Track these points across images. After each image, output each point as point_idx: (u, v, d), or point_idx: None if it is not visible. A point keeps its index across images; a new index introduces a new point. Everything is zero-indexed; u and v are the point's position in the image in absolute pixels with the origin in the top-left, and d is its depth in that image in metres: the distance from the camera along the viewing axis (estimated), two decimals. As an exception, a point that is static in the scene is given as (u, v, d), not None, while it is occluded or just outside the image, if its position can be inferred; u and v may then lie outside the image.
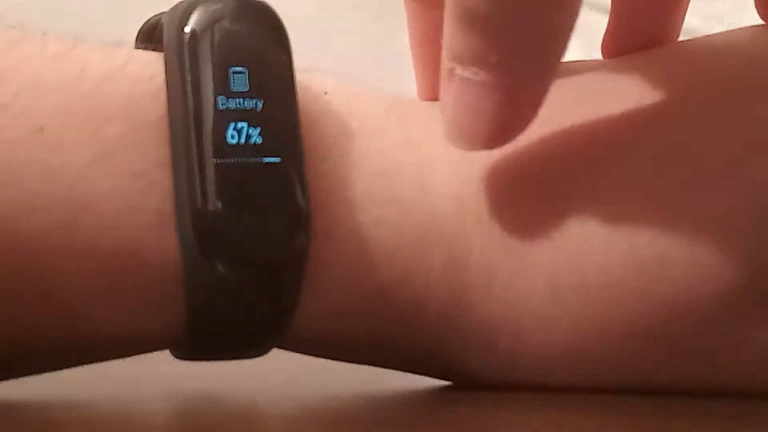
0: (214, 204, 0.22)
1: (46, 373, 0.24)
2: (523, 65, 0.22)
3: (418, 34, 0.27)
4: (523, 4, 0.21)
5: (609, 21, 0.27)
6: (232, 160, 0.22)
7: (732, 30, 0.27)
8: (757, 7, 0.26)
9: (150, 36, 0.24)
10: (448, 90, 0.23)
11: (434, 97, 0.27)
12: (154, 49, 0.23)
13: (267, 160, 0.22)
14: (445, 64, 0.23)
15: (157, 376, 0.29)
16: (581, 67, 0.27)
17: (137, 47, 0.24)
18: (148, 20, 0.25)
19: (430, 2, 0.27)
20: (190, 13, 0.23)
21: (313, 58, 0.24)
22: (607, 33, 0.27)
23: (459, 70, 0.22)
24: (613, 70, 0.26)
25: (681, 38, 0.27)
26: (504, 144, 0.24)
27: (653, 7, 0.27)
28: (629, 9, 0.27)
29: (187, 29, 0.23)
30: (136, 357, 0.24)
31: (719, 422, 0.22)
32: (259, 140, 0.22)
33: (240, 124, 0.22)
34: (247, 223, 0.22)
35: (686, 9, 0.27)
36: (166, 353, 0.24)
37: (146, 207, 0.22)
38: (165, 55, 0.23)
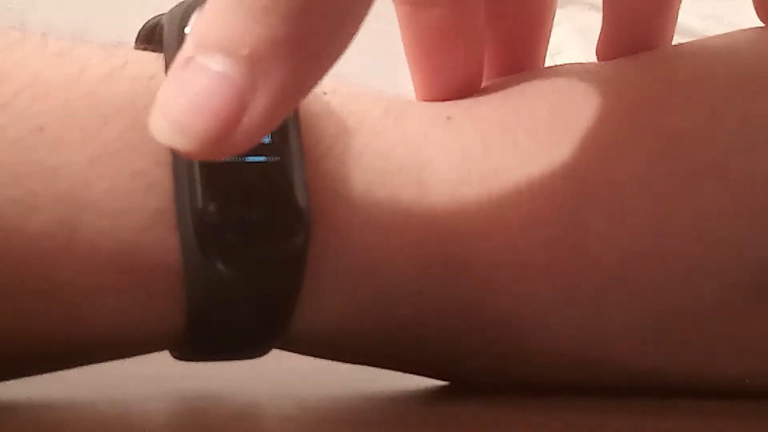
0: (214, 203, 0.22)
1: (46, 373, 0.24)
2: (285, 68, 0.19)
3: (410, 36, 0.27)
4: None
5: (602, 25, 0.28)
6: (232, 159, 0.22)
7: (730, 32, 0.27)
8: (756, 9, 0.26)
9: (150, 37, 0.24)
10: (174, 79, 0.19)
11: (432, 98, 0.27)
12: (153, 50, 0.23)
13: (267, 159, 0.22)
14: (185, 53, 0.19)
15: (157, 376, 0.29)
16: (577, 69, 0.27)
17: (137, 48, 0.24)
18: (147, 22, 0.25)
19: (420, 4, 0.27)
20: (190, 14, 0.23)
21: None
22: (600, 38, 0.28)
23: (200, 58, 0.19)
24: (610, 71, 0.26)
25: (681, 38, 0.28)
26: (220, 155, 0.19)
27: (642, 12, 0.27)
28: (618, 14, 0.27)
29: (188, 29, 0.23)
30: (136, 357, 0.24)
31: (719, 421, 0.22)
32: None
33: None
34: (247, 222, 0.22)
35: (677, 13, 0.27)
36: (166, 353, 0.24)
37: (146, 206, 0.22)
38: (165, 55, 0.23)
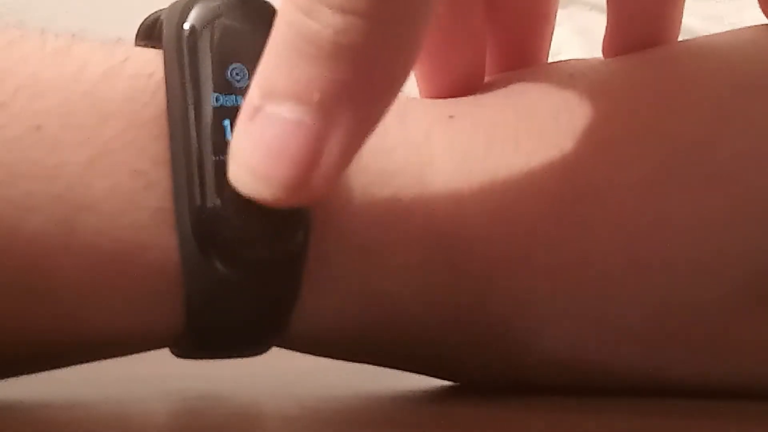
0: (213, 202, 0.22)
1: (46, 373, 0.24)
2: (356, 107, 0.20)
3: None
4: (392, 40, 0.19)
5: (606, 22, 0.27)
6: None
7: (734, 30, 0.26)
8: (762, 8, 0.26)
9: (149, 33, 0.24)
10: (246, 130, 0.20)
11: (435, 95, 0.27)
12: (153, 47, 0.23)
13: None
14: (251, 102, 0.20)
15: (157, 376, 0.29)
16: (581, 66, 0.27)
17: (137, 45, 0.24)
18: (147, 17, 0.25)
19: None
20: (189, 10, 0.23)
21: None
22: (606, 34, 0.28)
23: (270, 108, 0.20)
24: (614, 69, 0.26)
25: (681, 38, 0.27)
26: (303, 201, 0.20)
27: (647, 8, 0.27)
28: (623, 11, 0.27)
29: (187, 26, 0.23)
30: (136, 357, 0.24)
31: (720, 422, 0.22)
32: None
33: None
34: (246, 221, 0.22)
35: (682, 9, 0.27)
36: (166, 353, 0.24)
37: (145, 205, 0.22)
38: (164, 52, 0.23)
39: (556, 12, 0.29)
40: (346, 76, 0.19)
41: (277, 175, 0.20)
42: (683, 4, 0.27)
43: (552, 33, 0.29)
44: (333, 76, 0.19)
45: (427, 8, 0.20)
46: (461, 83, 0.27)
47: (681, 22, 0.27)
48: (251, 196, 0.20)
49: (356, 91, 0.20)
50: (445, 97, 0.27)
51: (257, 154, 0.20)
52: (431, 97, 0.27)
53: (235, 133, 0.20)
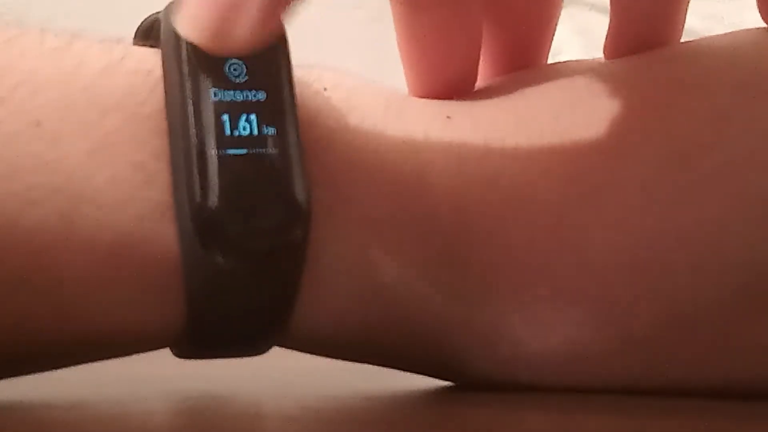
0: (213, 195, 0.22)
1: (46, 373, 0.24)
2: None
3: (406, 36, 0.27)
4: None
5: (609, 23, 0.27)
6: (231, 151, 0.22)
7: (734, 32, 0.26)
8: (759, 8, 0.26)
9: (148, 34, 0.24)
10: None
11: (424, 95, 0.27)
12: (151, 46, 0.23)
13: (265, 151, 0.22)
14: None
15: (157, 376, 0.29)
16: (582, 67, 0.27)
17: (135, 44, 0.24)
18: (144, 20, 0.25)
19: (419, 5, 0.27)
20: None
21: (313, 58, 0.24)
22: (608, 35, 0.27)
23: None
24: (615, 70, 0.26)
25: (681, 38, 0.27)
26: (227, 47, 0.22)
27: (652, 9, 0.27)
28: (627, 11, 0.27)
29: None
30: (136, 357, 0.24)
31: (720, 423, 0.22)
32: (258, 132, 0.22)
33: (238, 116, 0.22)
34: (246, 215, 0.22)
35: (686, 10, 0.27)
36: (166, 353, 0.24)
37: (145, 198, 0.22)
38: (162, 51, 0.23)
39: (559, 14, 0.29)
40: None
41: (204, 19, 0.22)
42: (687, 6, 0.27)
43: (553, 35, 0.29)
44: None
45: None
46: (453, 84, 0.27)
47: (684, 23, 0.27)
48: (187, 40, 0.22)
49: None
50: (434, 98, 0.27)
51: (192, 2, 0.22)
52: (420, 98, 0.27)
53: None
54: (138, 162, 0.22)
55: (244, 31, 0.22)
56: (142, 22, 0.25)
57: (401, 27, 0.27)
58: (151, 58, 0.23)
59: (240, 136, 0.22)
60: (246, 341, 0.24)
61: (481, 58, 0.28)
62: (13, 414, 0.22)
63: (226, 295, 0.22)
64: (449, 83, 0.27)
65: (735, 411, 0.23)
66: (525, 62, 0.28)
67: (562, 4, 0.29)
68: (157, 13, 0.24)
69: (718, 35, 0.27)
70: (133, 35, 0.25)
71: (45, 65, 0.22)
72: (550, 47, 0.29)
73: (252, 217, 0.22)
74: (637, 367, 0.25)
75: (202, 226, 0.22)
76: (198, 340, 0.23)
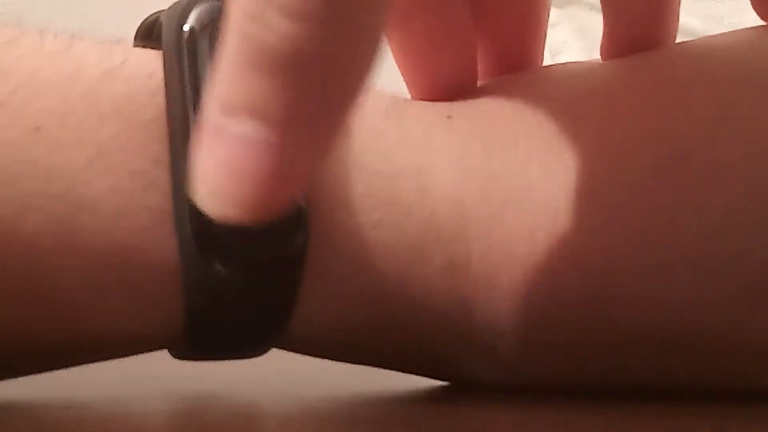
0: None
1: (46, 373, 0.24)
2: (317, 119, 0.18)
3: (397, 43, 0.27)
4: (348, 48, 0.18)
5: (603, 25, 0.28)
6: None
7: (733, 31, 0.26)
8: (754, 6, 0.26)
9: (149, 34, 0.24)
10: (206, 148, 0.19)
11: (425, 99, 0.27)
12: (152, 48, 0.23)
13: None
14: (210, 118, 0.19)
15: (156, 376, 0.29)
16: (581, 68, 0.27)
17: (136, 46, 0.24)
18: (146, 18, 0.25)
19: (407, 13, 0.27)
20: (188, 11, 0.23)
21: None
22: (603, 37, 0.28)
23: (234, 126, 0.18)
24: (613, 71, 0.26)
25: (681, 39, 0.27)
26: (266, 217, 0.19)
27: (642, 10, 0.27)
28: (618, 13, 0.27)
29: (186, 27, 0.23)
30: (135, 357, 0.24)
31: (720, 422, 0.22)
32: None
33: None
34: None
35: (678, 10, 0.27)
36: (166, 353, 0.24)
37: (145, 206, 0.22)
38: (164, 54, 0.23)
39: (548, 15, 0.29)
40: (305, 89, 0.18)
41: (241, 195, 0.18)
42: (678, 6, 0.27)
43: (545, 36, 0.29)
44: (291, 88, 0.18)
45: (381, 6, 0.19)
46: (451, 87, 0.27)
47: (678, 23, 0.27)
48: (217, 217, 0.19)
49: (316, 102, 0.18)
50: (436, 101, 0.27)
51: (219, 174, 0.19)
52: (420, 100, 0.27)
53: (197, 151, 0.19)
54: (138, 169, 0.22)
55: (287, 196, 0.19)
56: (142, 22, 0.25)
57: (393, 36, 0.27)
58: (151, 62, 0.23)
59: None
60: (244, 345, 0.24)
61: (480, 58, 0.28)
62: (13, 414, 0.22)
63: (225, 302, 0.22)
64: (446, 86, 0.27)
65: (735, 411, 0.23)
66: (519, 65, 0.28)
67: (552, 4, 0.29)
68: (158, 12, 0.24)
69: (717, 35, 0.27)
70: (133, 36, 0.25)
71: (44, 69, 0.22)
72: (543, 48, 0.29)
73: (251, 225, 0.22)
74: (636, 365, 0.25)
75: (201, 232, 0.22)
76: (196, 344, 0.23)
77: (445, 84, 0.27)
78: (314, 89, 0.18)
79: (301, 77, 0.18)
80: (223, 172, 0.18)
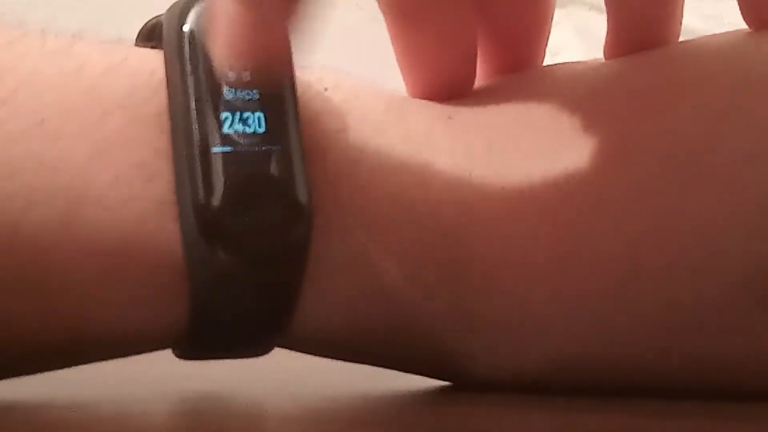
0: (216, 193, 0.22)
1: (46, 373, 0.24)
2: None
3: (402, 47, 0.27)
4: None
5: (607, 24, 0.27)
6: (233, 149, 0.22)
7: (734, 31, 0.26)
8: (743, 14, 0.26)
9: (149, 37, 0.24)
10: (217, 15, 0.22)
11: (423, 98, 0.27)
12: (153, 48, 0.24)
13: (267, 150, 0.22)
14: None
15: (157, 376, 0.29)
16: (582, 68, 0.27)
17: (137, 47, 0.24)
18: (146, 22, 0.25)
19: (414, 18, 0.27)
20: (188, 12, 0.23)
21: (313, 58, 0.24)
22: (607, 36, 0.28)
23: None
24: (615, 71, 0.26)
25: (681, 38, 0.27)
26: (253, 60, 0.23)
27: (646, 10, 0.27)
28: (622, 12, 0.27)
29: (186, 28, 0.23)
30: (136, 357, 0.24)
31: (720, 422, 0.22)
32: (260, 131, 0.22)
33: (241, 115, 0.22)
34: (248, 213, 0.22)
35: (682, 9, 0.27)
36: (167, 353, 0.24)
37: (148, 198, 0.22)
38: (165, 53, 0.23)
39: (552, 15, 0.29)
40: None
41: (235, 43, 0.22)
42: (682, 6, 0.27)
43: (549, 36, 0.29)
44: None
45: None
46: (451, 87, 0.27)
47: (681, 22, 0.27)
48: (225, 65, 0.22)
49: None
50: (434, 100, 0.27)
51: (222, 31, 0.22)
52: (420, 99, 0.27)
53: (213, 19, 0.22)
54: (140, 162, 0.22)
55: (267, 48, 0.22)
56: (143, 25, 0.25)
57: (396, 38, 0.27)
58: (153, 59, 0.23)
59: (242, 134, 0.22)
60: (247, 342, 0.24)
61: (478, 60, 0.28)
62: (13, 414, 0.22)
63: (229, 294, 0.22)
64: (447, 87, 0.27)
65: (735, 411, 0.23)
66: (521, 64, 0.28)
67: (555, 4, 0.29)
68: (159, 16, 0.24)
69: (717, 34, 0.27)
70: (134, 37, 0.25)
71: (46, 67, 0.22)
72: (546, 48, 0.29)
73: (255, 216, 0.22)
74: (637, 366, 0.25)
75: (205, 224, 0.22)
76: (200, 341, 0.23)
77: (445, 84, 0.27)
78: None
79: None
80: (224, 29, 0.22)
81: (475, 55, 0.28)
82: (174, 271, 0.22)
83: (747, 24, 0.26)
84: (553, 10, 0.29)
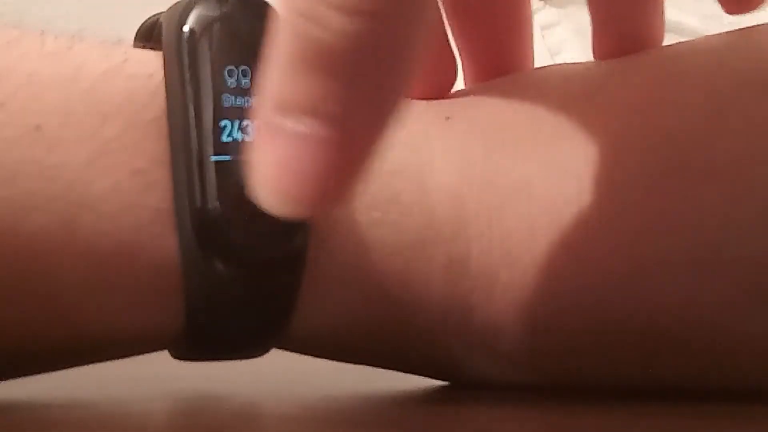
0: (213, 202, 0.22)
1: (46, 373, 0.24)
2: (369, 115, 0.19)
3: None
4: (395, 42, 0.18)
5: (591, 24, 0.28)
6: (232, 157, 0.22)
7: (732, 30, 0.26)
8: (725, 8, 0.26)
9: (149, 36, 0.24)
10: (268, 146, 0.19)
11: (427, 97, 0.27)
12: (152, 48, 0.23)
13: None
14: (266, 116, 0.19)
15: (157, 376, 0.29)
16: (579, 68, 0.27)
17: (136, 47, 0.24)
18: (146, 20, 0.25)
19: None
20: (188, 12, 0.23)
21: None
22: (592, 36, 0.28)
23: (291, 125, 0.18)
24: (610, 70, 0.26)
25: (681, 38, 0.28)
26: (320, 213, 0.20)
27: (624, 9, 0.27)
28: (602, 12, 0.27)
29: (186, 28, 0.23)
30: (136, 357, 0.24)
31: (719, 422, 0.22)
32: None
33: (239, 122, 0.22)
34: (246, 222, 0.22)
35: (662, 7, 0.27)
36: (166, 353, 0.24)
37: (145, 205, 0.22)
38: (164, 55, 0.23)
39: (530, 15, 0.29)
40: (360, 84, 0.18)
41: (299, 192, 0.19)
42: (662, 4, 0.27)
43: (532, 36, 0.29)
44: (347, 84, 0.18)
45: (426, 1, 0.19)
46: (436, 90, 0.27)
47: (664, 21, 0.27)
48: (273, 213, 0.19)
49: (372, 97, 0.18)
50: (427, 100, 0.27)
51: (277, 172, 0.19)
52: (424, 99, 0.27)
53: (255, 152, 0.19)
54: (138, 169, 0.22)
55: (343, 192, 0.19)
56: (142, 24, 0.25)
57: None
58: (152, 62, 0.23)
59: (241, 141, 0.22)
60: (244, 346, 0.24)
61: (465, 62, 0.28)
62: (13, 414, 0.22)
63: (225, 301, 0.22)
64: (434, 88, 0.27)
65: (735, 411, 0.23)
66: (509, 67, 0.28)
67: (531, 3, 0.29)
68: (158, 14, 0.24)
69: (715, 34, 0.27)
70: (133, 37, 0.25)
71: (45, 68, 0.22)
72: (533, 49, 0.29)
73: (252, 224, 0.22)
74: (638, 365, 0.25)
75: (202, 232, 0.22)
76: (196, 344, 0.23)
77: (433, 87, 0.27)
78: (370, 84, 0.18)
79: (357, 73, 0.18)
80: (282, 170, 0.18)
81: (453, 57, 0.28)
82: (170, 279, 0.22)
83: (725, 10, 0.26)
84: (530, 11, 0.29)
